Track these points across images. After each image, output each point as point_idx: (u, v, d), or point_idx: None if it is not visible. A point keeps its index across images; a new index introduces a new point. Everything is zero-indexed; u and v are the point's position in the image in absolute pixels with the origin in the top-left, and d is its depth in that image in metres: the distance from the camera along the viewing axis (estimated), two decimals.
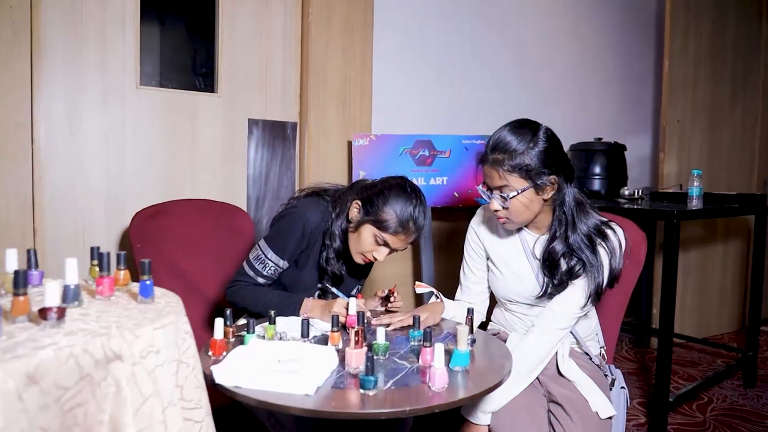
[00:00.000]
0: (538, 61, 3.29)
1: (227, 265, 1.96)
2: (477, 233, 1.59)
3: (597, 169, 2.94)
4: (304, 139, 2.48)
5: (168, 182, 2.22)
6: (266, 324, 1.25)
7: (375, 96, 2.65)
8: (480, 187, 1.41)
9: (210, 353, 1.13)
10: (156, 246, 1.92)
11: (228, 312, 1.22)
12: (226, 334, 1.22)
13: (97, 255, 0.93)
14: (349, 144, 2.53)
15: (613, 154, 2.96)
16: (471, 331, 1.26)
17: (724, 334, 3.55)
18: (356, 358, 1.05)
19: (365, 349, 1.07)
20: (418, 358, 1.16)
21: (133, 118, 2.13)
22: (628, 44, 3.75)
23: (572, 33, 3.45)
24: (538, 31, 3.28)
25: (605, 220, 1.46)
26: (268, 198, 2.46)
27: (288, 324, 1.32)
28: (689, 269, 3.30)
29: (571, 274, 1.40)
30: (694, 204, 2.44)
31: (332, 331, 1.20)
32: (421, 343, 1.15)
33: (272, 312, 1.25)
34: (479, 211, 1.61)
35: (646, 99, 3.91)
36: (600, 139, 3.04)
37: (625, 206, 2.51)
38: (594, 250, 1.39)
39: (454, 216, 2.86)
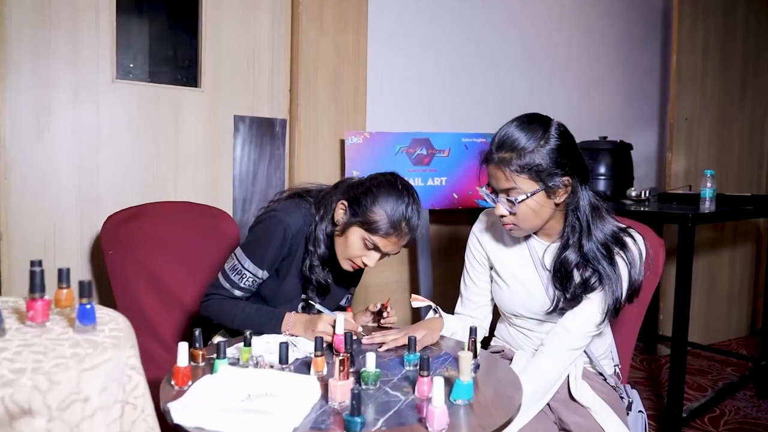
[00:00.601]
0: (540, 57, 3.18)
1: (209, 272, 1.83)
2: (480, 240, 1.44)
3: (602, 169, 2.80)
4: (294, 137, 2.34)
5: (147, 183, 2.07)
6: (241, 345, 1.10)
7: (369, 91, 2.52)
8: (484, 189, 1.26)
9: (173, 383, 0.98)
10: (131, 252, 1.79)
11: (197, 332, 1.07)
12: (195, 358, 1.07)
13: (30, 272, 0.78)
14: (342, 142, 2.40)
15: (619, 154, 2.82)
16: (474, 355, 1.11)
17: (731, 340, 3.44)
18: (341, 392, 0.89)
19: (352, 381, 0.92)
20: (413, 388, 1.01)
21: (109, 115, 1.99)
22: (630, 41, 3.63)
23: (574, 29, 3.34)
24: (540, 27, 3.17)
25: (623, 226, 1.31)
26: (255, 200, 2.32)
27: (267, 344, 1.17)
28: (695, 272, 3.16)
29: (586, 288, 1.25)
30: (707, 206, 2.32)
31: (316, 356, 1.04)
32: (418, 370, 1.00)
33: (248, 332, 1.10)
34: (482, 216, 1.47)
35: (649, 96, 3.79)
36: (605, 137, 2.90)
37: (632, 208, 2.37)
38: (611, 261, 1.25)
39: (454, 219, 2.73)
